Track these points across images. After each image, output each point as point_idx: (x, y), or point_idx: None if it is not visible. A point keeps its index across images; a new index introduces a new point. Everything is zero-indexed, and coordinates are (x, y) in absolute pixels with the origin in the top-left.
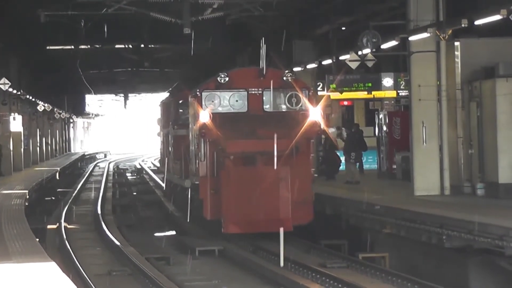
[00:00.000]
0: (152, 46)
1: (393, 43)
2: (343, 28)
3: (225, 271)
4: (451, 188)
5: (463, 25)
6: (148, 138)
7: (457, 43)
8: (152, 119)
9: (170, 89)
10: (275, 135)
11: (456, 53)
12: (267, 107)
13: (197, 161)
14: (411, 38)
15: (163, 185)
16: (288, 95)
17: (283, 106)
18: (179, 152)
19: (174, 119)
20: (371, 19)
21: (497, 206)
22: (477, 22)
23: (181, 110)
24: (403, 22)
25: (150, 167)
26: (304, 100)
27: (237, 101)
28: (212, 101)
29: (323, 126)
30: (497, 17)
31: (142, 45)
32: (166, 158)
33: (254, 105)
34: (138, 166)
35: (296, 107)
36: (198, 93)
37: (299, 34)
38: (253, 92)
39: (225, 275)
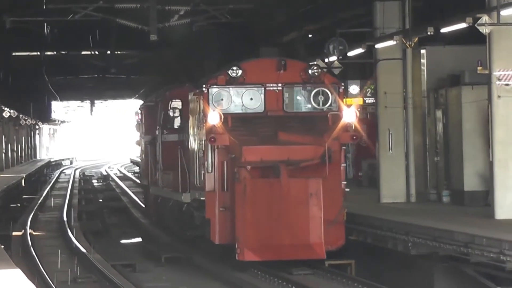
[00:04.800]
0: (119, 52)
1: (359, 50)
2: (310, 36)
3: (191, 277)
4: (417, 195)
5: (429, 33)
6: (114, 145)
7: (423, 51)
8: (119, 125)
9: (137, 95)
10: (303, 140)
11: (422, 60)
12: (288, 106)
13: (202, 172)
14: (378, 45)
15: (143, 205)
16: (314, 92)
17: (308, 106)
18: (170, 161)
19: (163, 122)
20: (338, 27)
21: (462, 213)
22: (443, 30)
23: (172, 112)
24: (370, 29)
25: (116, 173)
26: (335, 98)
27: (251, 99)
28: (221, 99)
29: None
30: (462, 25)
31: (109, 52)
32: (150, 169)
33: (272, 104)
34: (104, 173)
35: (324, 107)
36: (204, 89)
37: (266, 41)
38: (271, 88)
39: (191, 282)
